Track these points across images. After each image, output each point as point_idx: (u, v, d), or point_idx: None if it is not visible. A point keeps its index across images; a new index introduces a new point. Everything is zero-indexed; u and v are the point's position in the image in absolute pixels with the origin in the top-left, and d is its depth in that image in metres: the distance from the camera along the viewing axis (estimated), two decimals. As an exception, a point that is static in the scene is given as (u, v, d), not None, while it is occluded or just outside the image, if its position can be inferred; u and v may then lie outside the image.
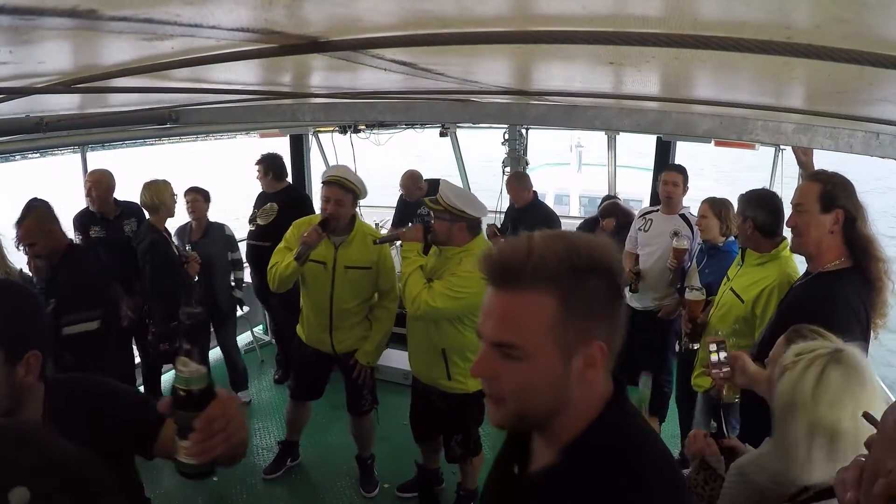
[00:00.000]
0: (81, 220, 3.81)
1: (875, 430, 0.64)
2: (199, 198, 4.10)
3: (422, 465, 3.37)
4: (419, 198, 4.86)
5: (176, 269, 3.73)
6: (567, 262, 0.82)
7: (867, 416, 0.64)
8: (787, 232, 2.28)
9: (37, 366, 1.20)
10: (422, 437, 3.26)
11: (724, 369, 1.91)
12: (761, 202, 2.55)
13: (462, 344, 2.77)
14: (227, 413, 0.96)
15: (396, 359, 4.19)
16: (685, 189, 3.70)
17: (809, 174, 2.28)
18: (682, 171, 3.76)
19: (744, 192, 2.71)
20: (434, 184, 5.20)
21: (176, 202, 3.87)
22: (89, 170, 3.99)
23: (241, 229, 4.89)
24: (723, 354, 1.94)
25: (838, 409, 1.17)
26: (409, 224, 3.75)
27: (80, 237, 3.75)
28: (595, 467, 0.87)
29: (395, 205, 5.58)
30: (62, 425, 1.30)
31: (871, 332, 2.01)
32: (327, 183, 2.94)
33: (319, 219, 2.95)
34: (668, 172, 3.78)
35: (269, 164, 4.50)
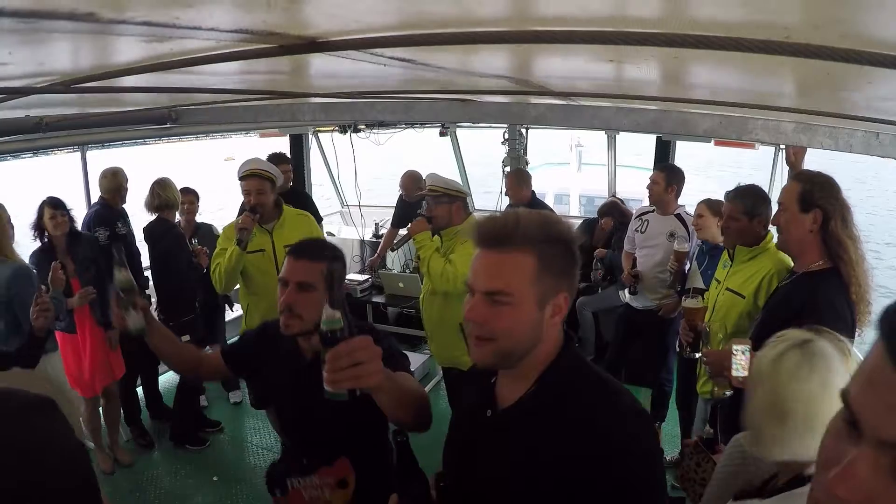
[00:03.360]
0: (105, 219, 3.75)
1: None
2: (192, 198, 4.12)
3: None
4: (419, 198, 4.85)
5: (192, 263, 3.80)
6: (544, 232, 1.06)
7: None
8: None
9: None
10: None
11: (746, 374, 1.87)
12: (764, 198, 2.54)
13: None
14: (352, 354, 1.12)
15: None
16: (670, 189, 3.64)
17: (794, 174, 2.27)
18: (666, 170, 3.72)
19: (732, 189, 2.64)
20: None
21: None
22: (89, 170, 3.99)
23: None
24: (746, 358, 1.88)
25: (787, 388, 1.21)
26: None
27: (107, 234, 3.69)
28: (567, 383, 1.08)
29: (394, 205, 5.58)
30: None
31: (857, 331, 1.98)
32: (245, 177, 3.04)
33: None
34: (654, 171, 3.79)
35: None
